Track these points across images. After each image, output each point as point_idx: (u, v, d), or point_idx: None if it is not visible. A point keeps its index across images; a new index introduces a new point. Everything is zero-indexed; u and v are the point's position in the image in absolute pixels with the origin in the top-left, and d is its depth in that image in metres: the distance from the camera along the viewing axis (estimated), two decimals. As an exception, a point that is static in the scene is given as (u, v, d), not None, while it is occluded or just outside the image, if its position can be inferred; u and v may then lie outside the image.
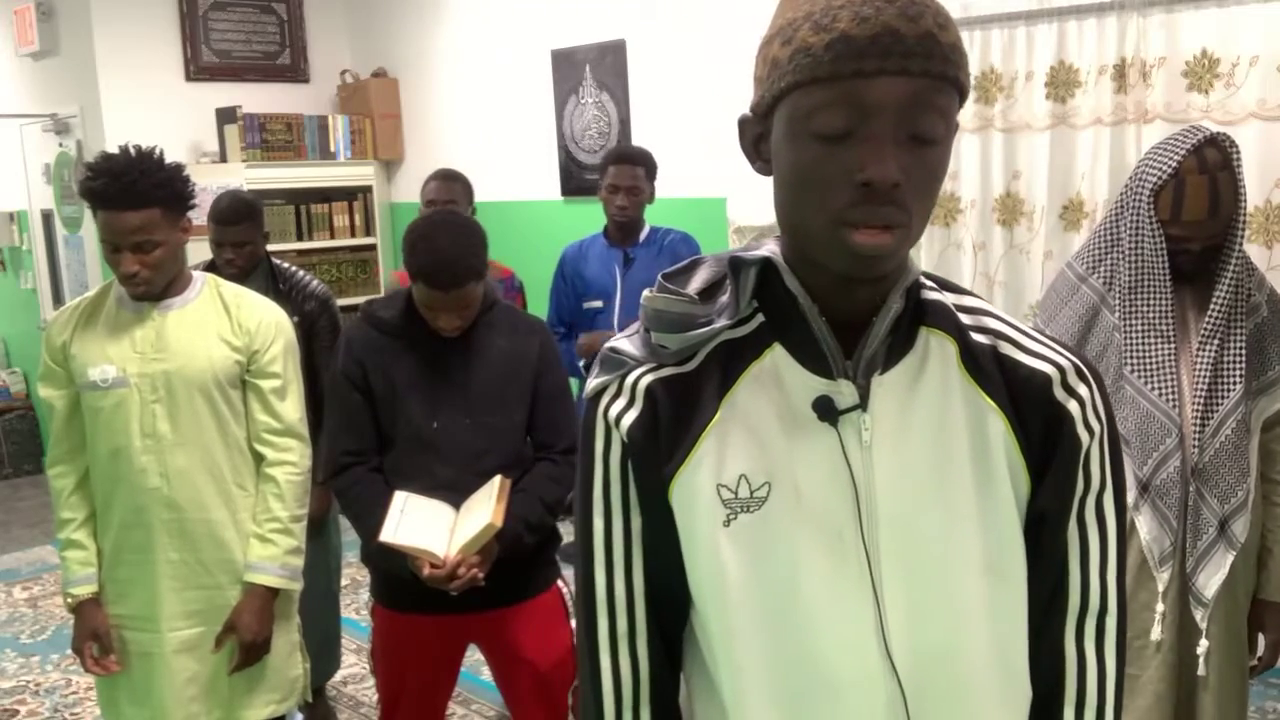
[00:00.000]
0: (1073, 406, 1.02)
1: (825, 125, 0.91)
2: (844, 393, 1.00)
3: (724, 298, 1.04)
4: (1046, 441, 1.02)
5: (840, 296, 0.99)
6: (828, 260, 0.96)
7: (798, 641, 1.00)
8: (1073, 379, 1.03)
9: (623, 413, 1.05)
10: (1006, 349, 1.04)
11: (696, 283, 1.06)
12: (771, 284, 1.03)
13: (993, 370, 1.03)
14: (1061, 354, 1.05)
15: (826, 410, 0.99)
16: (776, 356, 1.02)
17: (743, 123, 1.02)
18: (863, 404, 1.00)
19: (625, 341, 1.08)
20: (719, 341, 1.04)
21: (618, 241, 3.77)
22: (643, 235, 3.80)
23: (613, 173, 3.70)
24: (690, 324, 1.03)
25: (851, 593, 1.00)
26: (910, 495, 1.00)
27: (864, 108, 0.90)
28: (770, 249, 1.03)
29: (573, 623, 2.49)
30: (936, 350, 1.03)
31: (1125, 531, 1.08)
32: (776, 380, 1.02)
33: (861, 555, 0.99)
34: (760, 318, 1.04)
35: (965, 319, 1.05)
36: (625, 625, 1.08)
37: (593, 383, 1.09)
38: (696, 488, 1.01)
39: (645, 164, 3.74)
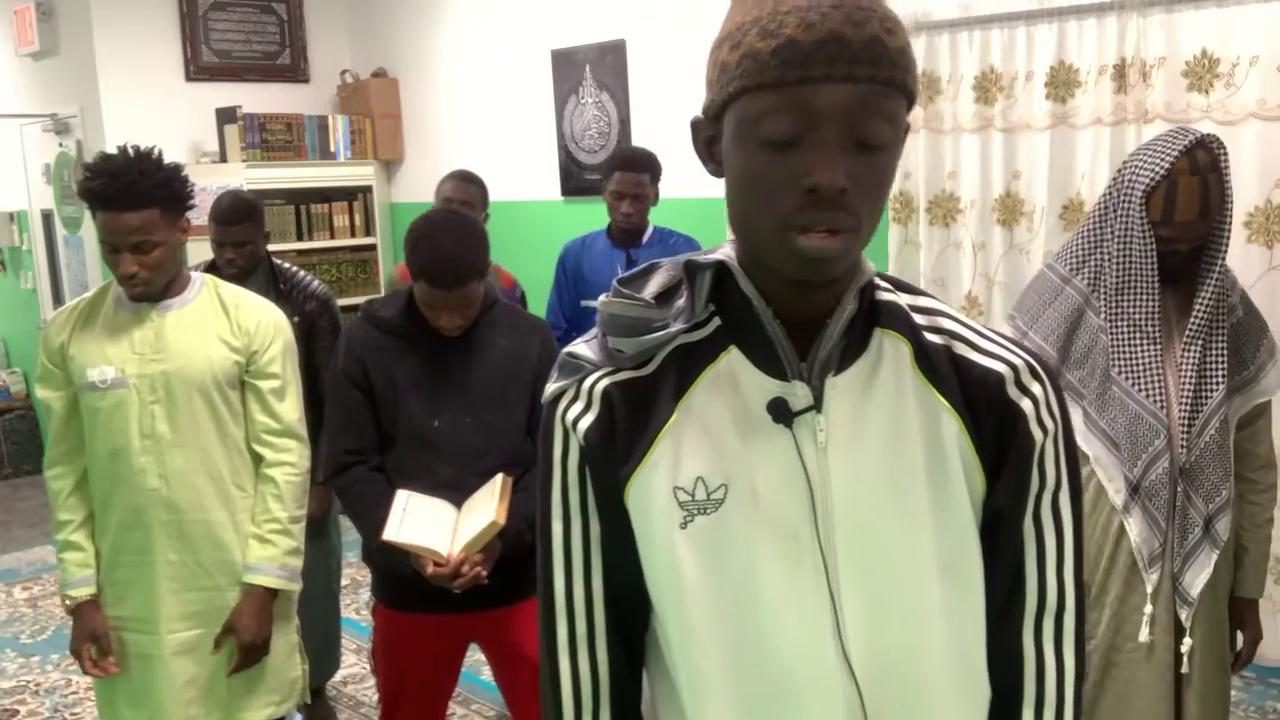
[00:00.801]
0: (1026, 405, 1.03)
1: (772, 131, 0.92)
2: (799, 394, 1.01)
3: (680, 301, 1.04)
4: (1000, 440, 1.03)
5: (794, 299, 1.00)
6: (777, 263, 0.96)
7: (755, 644, 1.01)
8: (1026, 378, 1.04)
9: (580, 416, 1.06)
10: (960, 349, 1.05)
11: (652, 287, 1.06)
12: (727, 287, 1.04)
13: (947, 370, 1.03)
14: (1015, 353, 1.05)
15: (781, 412, 1.00)
16: (732, 359, 1.03)
17: (695, 125, 1.03)
18: (817, 405, 1.00)
19: (583, 346, 1.09)
20: (675, 345, 1.05)
21: (621, 243, 3.76)
22: (646, 236, 3.78)
23: (618, 179, 3.66)
24: (646, 328, 1.04)
25: (808, 594, 1.00)
26: (865, 496, 1.00)
27: (810, 114, 0.91)
28: (725, 253, 1.04)
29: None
30: (890, 351, 1.03)
31: (1082, 529, 1.08)
32: (732, 383, 1.03)
33: (818, 557, 1.00)
34: (716, 321, 1.05)
35: (919, 319, 1.06)
36: (585, 628, 1.09)
37: (551, 387, 1.10)
38: (653, 490, 1.02)
39: (651, 170, 3.71)
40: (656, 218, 3.89)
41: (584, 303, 3.82)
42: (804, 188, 0.91)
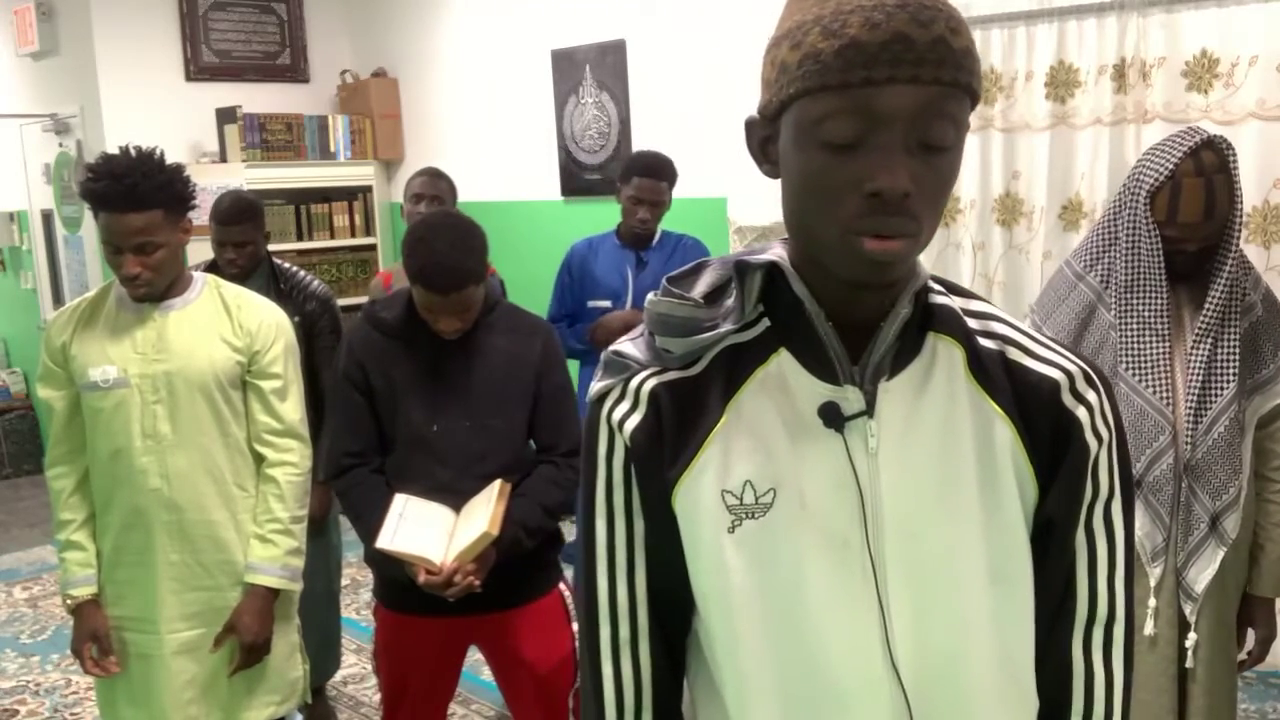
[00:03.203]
0: (1081, 413, 1.01)
1: (834, 133, 0.90)
2: (850, 399, 0.99)
3: (729, 301, 1.03)
4: (1054, 448, 1.01)
5: (847, 301, 0.98)
6: (837, 267, 0.95)
7: (802, 649, 1.00)
8: (1081, 385, 1.02)
9: (626, 416, 1.04)
10: (1014, 354, 1.03)
11: (701, 286, 1.04)
12: (778, 288, 1.02)
13: (1000, 376, 1.02)
14: (1070, 359, 1.03)
15: (833, 416, 0.98)
16: (782, 361, 1.01)
17: (750, 125, 1.01)
18: (869, 410, 0.99)
19: (629, 344, 1.07)
20: (724, 346, 1.03)
21: (631, 244, 3.77)
22: (655, 239, 3.80)
23: (637, 184, 3.66)
24: (695, 328, 1.02)
25: (856, 600, 0.99)
26: (916, 502, 0.99)
27: (874, 116, 0.88)
28: (777, 253, 1.02)
29: (574, 625, 2.49)
30: (944, 356, 1.01)
31: (1133, 539, 1.07)
32: (782, 385, 1.01)
33: (867, 562, 0.99)
34: (766, 322, 1.03)
35: (973, 324, 1.04)
36: (628, 631, 1.07)
37: (596, 385, 1.08)
38: (701, 493, 1.01)
39: (669, 177, 3.71)
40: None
41: (591, 303, 3.81)
42: (867, 192, 0.89)
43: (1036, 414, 1.01)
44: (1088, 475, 1.02)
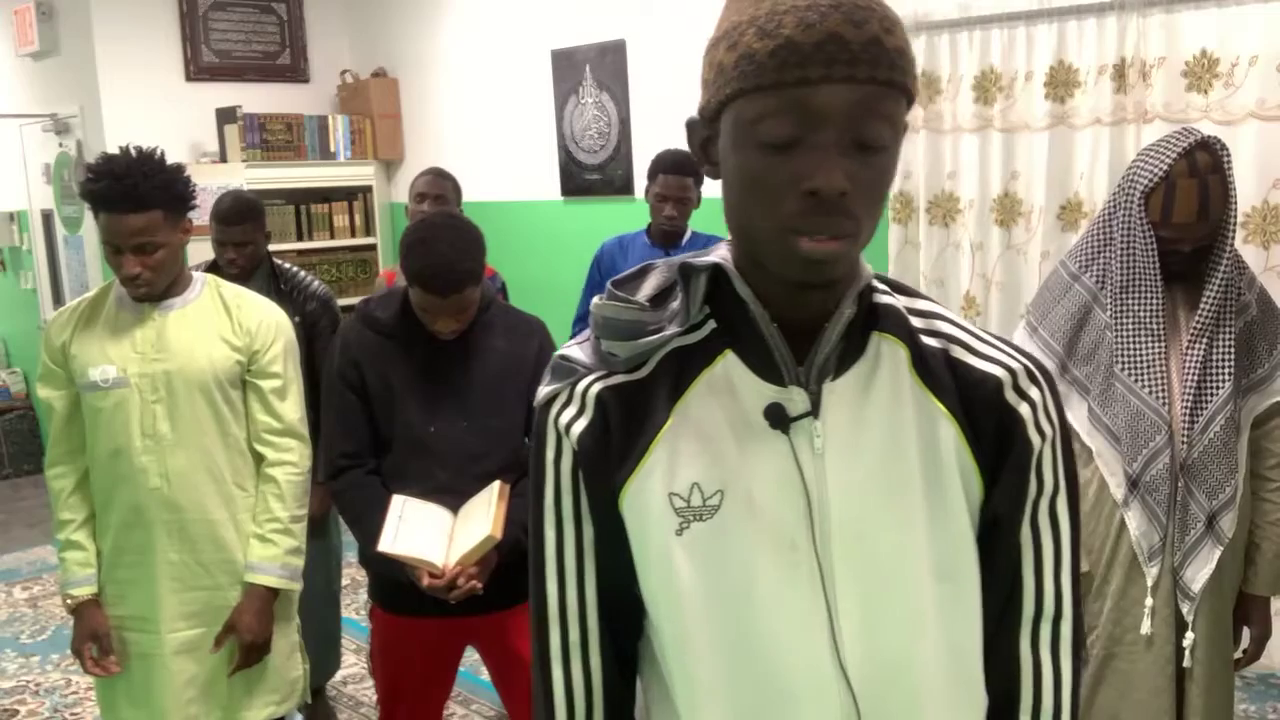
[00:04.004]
0: (1024, 409, 1.02)
1: (771, 133, 0.91)
2: (795, 400, 0.99)
3: (674, 304, 1.03)
4: (998, 445, 1.02)
5: (791, 302, 0.99)
6: (777, 266, 0.95)
7: (751, 651, 1.00)
8: (1024, 382, 1.03)
9: (573, 421, 1.04)
10: (958, 352, 1.04)
11: (647, 289, 1.05)
12: (723, 290, 1.02)
13: (944, 375, 1.02)
14: (1013, 357, 1.04)
15: (778, 418, 0.99)
16: (728, 363, 1.02)
17: (690, 126, 1.02)
18: (814, 411, 0.99)
19: (576, 349, 1.07)
20: (670, 349, 1.03)
21: (660, 243, 3.78)
22: (685, 238, 3.81)
23: (663, 181, 3.68)
24: (640, 331, 1.02)
25: (804, 602, 0.99)
26: (862, 502, 1.00)
27: (809, 116, 0.89)
28: (721, 255, 1.03)
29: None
30: (888, 355, 1.02)
31: (1079, 534, 1.08)
32: (728, 387, 1.01)
33: (814, 564, 0.99)
34: (711, 324, 1.03)
35: (917, 322, 1.05)
36: (578, 636, 1.07)
37: (543, 390, 1.08)
38: (648, 496, 1.01)
39: (695, 174, 3.73)
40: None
41: None
42: (804, 191, 0.90)
43: (980, 411, 1.02)
44: (1031, 472, 1.03)
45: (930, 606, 1.01)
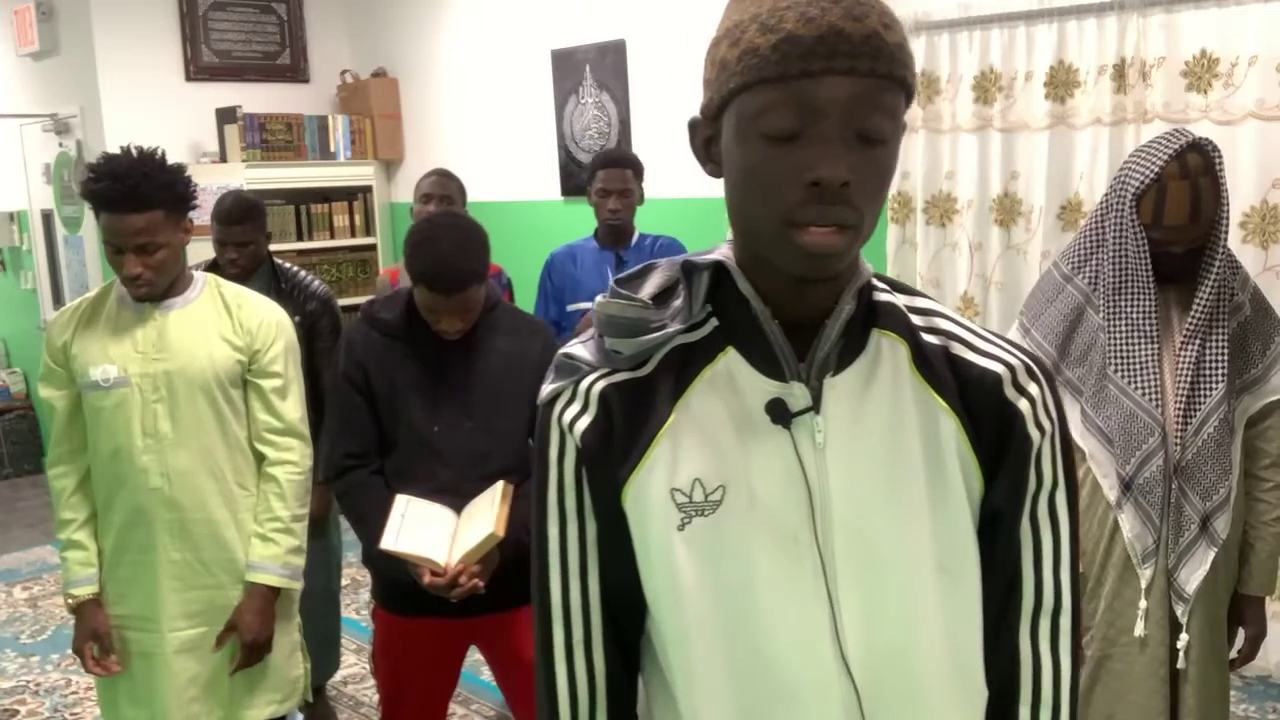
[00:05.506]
0: (1023, 405, 1.03)
1: (773, 126, 0.92)
2: (797, 395, 1.00)
3: (677, 302, 1.04)
4: (998, 440, 1.03)
5: (792, 299, 1.00)
6: (779, 261, 0.96)
7: (753, 645, 1.01)
8: (1023, 378, 1.04)
9: (576, 418, 1.05)
10: (957, 349, 1.05)
11: (649, 287, 1.06)
12: (724, 288, 1.04)
13: (944, 371, 1.03)
14: (1012, 353, 1.05)
15: (780, 413, 1.00)
16: (730, 360, 1.03)
17: (693, 125, 1.03)
18: (815, 406, 1.00)
19: (579, 347, 1.09)
20: (672, 346, 1.05)
21: (609, 244, 3.78)
22: (633, 240, 3.81)
23: (602, 176, 3.70)
24: (643, 329, 1.04)
25: (806, 595, 1.00)
26: (863, 497, 1.01)
27: (812, 108, 0.91)
28: (723, 253, 1.04)
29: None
30: (888, 352, 1.03)
31: (1078, 529, 1.09)
32: (730, 383, 1.02)
33: (816, 558, 1.00)
34: (713, 322, 1.05)
35: (917, 320, 1.06)
36: (581, 633, 1.08)
37: (546, 388, 1.09)
38: (650, 492, 1.02)
39: (633, 166, 3.75)
40: (655, 217, 3.90)
41: (570, 307, 3.82)
42: (806, 182, 0.91)
43: (980, 407, 1.03)
44: (1031, 466, 1.04)
45: (931, 600, 1.02)
